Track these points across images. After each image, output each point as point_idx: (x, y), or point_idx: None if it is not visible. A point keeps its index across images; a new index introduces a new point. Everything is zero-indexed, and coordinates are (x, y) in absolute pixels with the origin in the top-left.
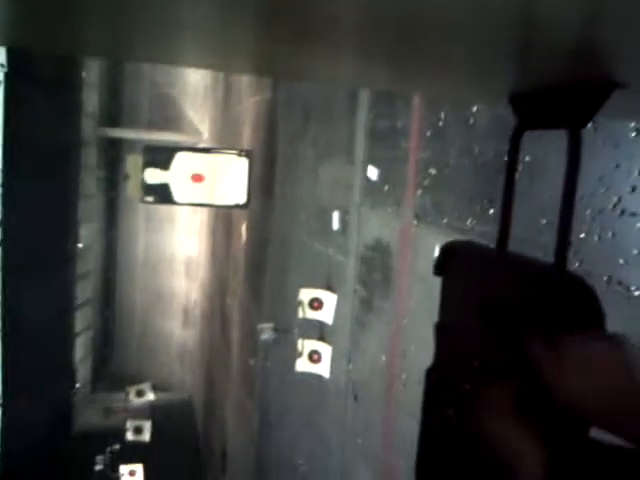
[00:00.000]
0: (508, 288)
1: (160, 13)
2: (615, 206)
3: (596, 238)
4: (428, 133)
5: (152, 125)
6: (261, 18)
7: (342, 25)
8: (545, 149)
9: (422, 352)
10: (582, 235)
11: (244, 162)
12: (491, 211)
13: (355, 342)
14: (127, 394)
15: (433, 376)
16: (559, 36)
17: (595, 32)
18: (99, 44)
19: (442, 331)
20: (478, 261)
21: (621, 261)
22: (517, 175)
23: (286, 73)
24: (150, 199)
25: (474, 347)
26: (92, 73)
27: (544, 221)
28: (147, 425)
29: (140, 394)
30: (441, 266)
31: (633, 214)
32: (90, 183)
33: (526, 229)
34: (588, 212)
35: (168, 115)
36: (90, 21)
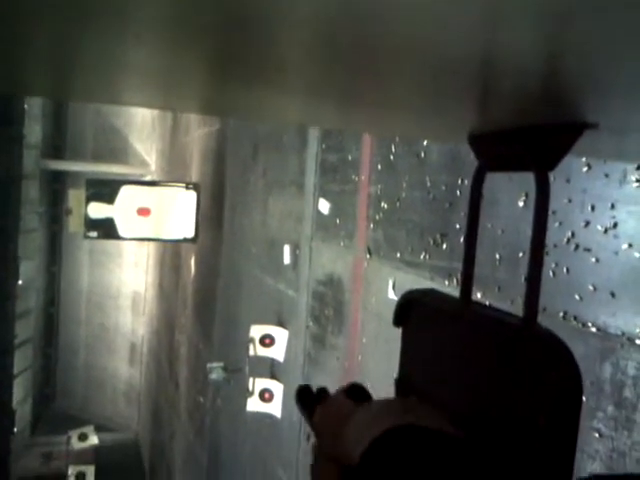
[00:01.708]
0: (476, 347)
1: (104, 55)
2: (569, 241)
3: (551, 274)
4: (379, 166)
5: (97, 157)
6: (207, 60)
7: (290, 66)
8: (495, 181)
9: (377, 391)
10: None
11: (192, 195)
12: (444, 245)
13: (307, 380)
14: (69, 438)
15: None
16: (523, 76)
17: (561, 70)
18: (41, 84)
19: (403, 388)
20: (442, 313)
21: (576, 297)
22: (468, 210)
23: (234, 113)
24: (94, 234)
25: (439, 407)
26: (35, 104)
27: (497, 256)
28: (90, 470)
29: (83, 438)
30: (401, 317)
31: (587, 249)
32: (31, 218)
33: (480, 265)
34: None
35: (114, 147)
36: (32, 61)
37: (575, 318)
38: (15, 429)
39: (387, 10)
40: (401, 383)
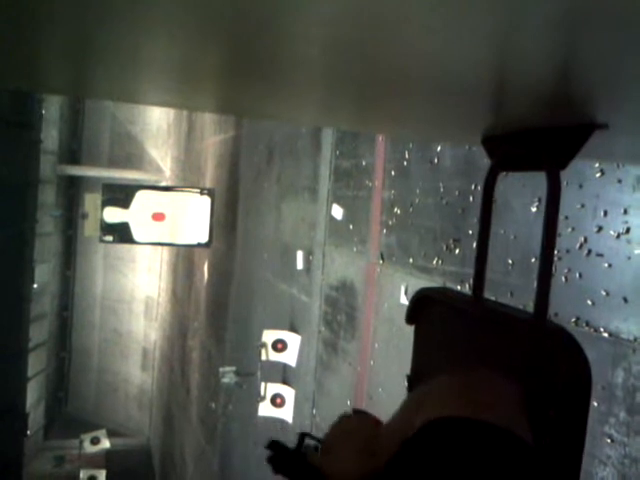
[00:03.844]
0: (488, 342)
1: (122, 51)
2: (581, 246)
3: (563, 279)
4: (393, 172)
5: (113, 163)
6: (225, 58)
7: (307, 67)
8: (509, 187)
9: (390, 396)
10: None
11: (206, 200)
12: (457, 251)
13: (319, 385)
14: (81, 442)
15: None
16: (535, 79)
17: (571, 74)
18: (59, 81)
19: (415, 384)
20: (454, 310)
21: (589, 302)
22: (481, 207)
23: (250, 112)
24: (109, 238)
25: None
26: (52, 110)
27: (510, 261)
28: (102, 474)
29: (95, 442)
30: (414, 314)
31: (600, 254)
32: (47, 222)
33: (493, 270)
34: (555, 252)
35: (129, 153)
36: (50, 58)
37: (587, 323)
38: (28, 432)
39: (403, 21)
40: (413, 379)
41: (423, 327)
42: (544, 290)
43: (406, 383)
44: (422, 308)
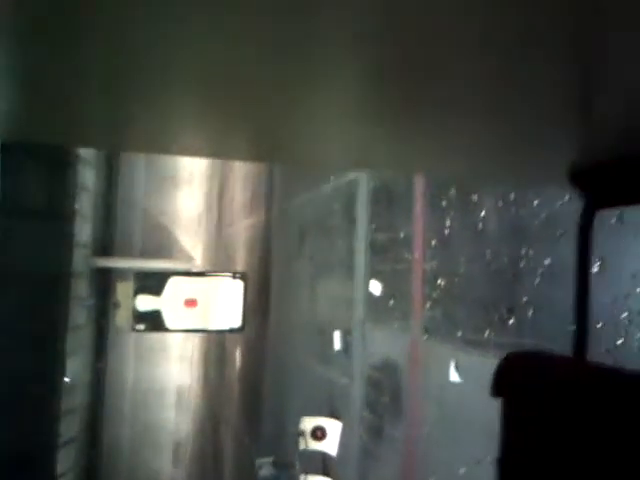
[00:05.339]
0: (597, 413)
1: (157, 102)
2: None
3: (636, 344)
4: (433, 242)
5: (144, 253)
6: (256, 106)
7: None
8: (566, 247)
9: None
10: (619, 341)
11: (239, 284)
12: (511, 320)
13: (363, 475)
14: None
15: None
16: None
17: None
18: (95, 134)
19: (506, 468)
20: (551, 376)
21: None
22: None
23: (286, 157)
24: (141, 327)
25: None
26: (85, 203)
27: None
28: None
29: None
30: (500, 384)
31: None
32: (79, 314)
33: (551, 338)
34: (624, 315)
35: (160, 243)
36: (86, 111)
37: None
38: None
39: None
40: (503, 463)
41: (512, 399)
42: None
43: (495, 468)
44: (510, 376)
